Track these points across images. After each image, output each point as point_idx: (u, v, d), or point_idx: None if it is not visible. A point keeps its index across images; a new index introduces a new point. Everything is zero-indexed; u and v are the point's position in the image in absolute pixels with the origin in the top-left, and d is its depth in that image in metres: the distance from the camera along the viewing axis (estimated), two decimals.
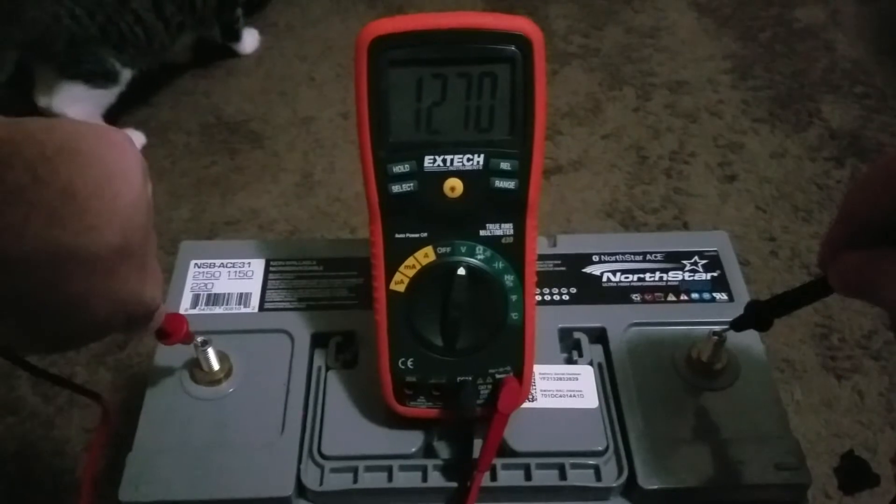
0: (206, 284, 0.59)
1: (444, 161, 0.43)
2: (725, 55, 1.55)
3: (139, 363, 1.03)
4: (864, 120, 1.40)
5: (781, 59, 1.54)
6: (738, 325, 0.48)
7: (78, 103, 1.28)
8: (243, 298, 0.58)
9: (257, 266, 0.60)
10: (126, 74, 1.31)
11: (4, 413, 1.01)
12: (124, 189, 0.34)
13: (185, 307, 0.58)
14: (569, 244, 0.62)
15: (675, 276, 0.59)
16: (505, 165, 0.43)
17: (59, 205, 0.32)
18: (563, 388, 0.53)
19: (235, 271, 0.60)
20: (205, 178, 1.31)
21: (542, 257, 0.59)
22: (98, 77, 1.28)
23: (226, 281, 0.59)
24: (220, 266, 0.60)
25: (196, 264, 0.60)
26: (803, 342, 1.07)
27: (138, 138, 1.34)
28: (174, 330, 0.48)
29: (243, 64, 1.52)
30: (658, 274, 0.59)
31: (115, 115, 1.37)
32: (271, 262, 0.61)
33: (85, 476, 0.48)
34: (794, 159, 1.34)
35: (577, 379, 0.53)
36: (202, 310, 0.58)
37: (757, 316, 0.47)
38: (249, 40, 1.54)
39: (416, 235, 0.45)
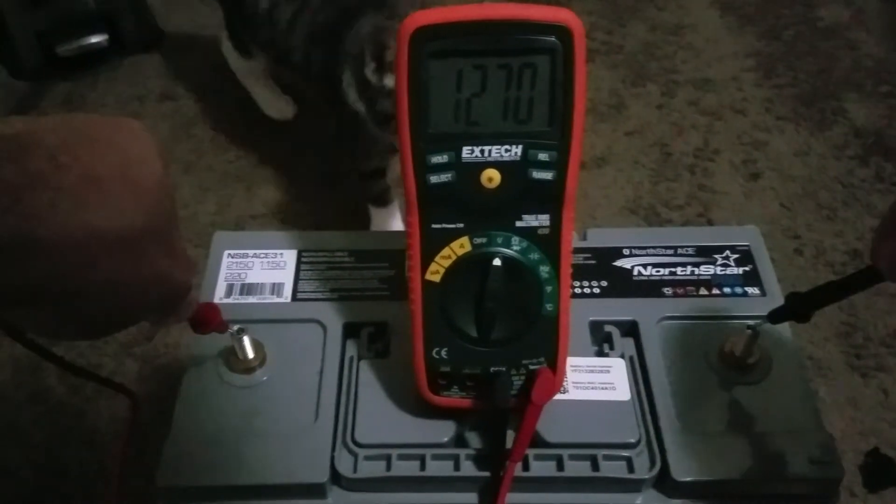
0: (239, 274, 0.60)
1: (483, 152, 0.43)
2: (749, 53, 1.54)
3: (166, 353, 1.04)
4: (888, 119, 1.40)
5: (805, 58, 1.53)
6: (775, 316, 0.48)
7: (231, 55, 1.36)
8: (276, 288, 0.59)
9: (289, 257, 0.61)
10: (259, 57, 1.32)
11: (33, 403, 1.02)
12: (145, 173, 0.35)
13: (219, 296, 0.58)
14: (599, 238, 0.62)
15: (706, 271, 0.59)
16: (543, 157, 0.43)
17: (83, 189, 0.33)
18: (594, 380, 0.53)
19: (268, 262, 0.61)
20: (230, 172, 1.32)
21: (572, 251, 0.59)
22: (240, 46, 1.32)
23: (259, 271, 0.60)
24: (252, 256, 0.61)
25: (229, 255, 0.61)
26: (828, 340, 1.07)
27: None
28: (208, 319, 0.48)
29: None
30: (689, 268, 0.59)
31: (139, 113, 1.39)
32: (303, 253, 0.61)
33: (114, 468, 0.48)
34: (818, 157, 1.34)
35: (608, 371, 0.53)
36: (236, 299, 0.58)
37: (798, 307, 0.47)
38: None
39: (453, 226, 0.45)
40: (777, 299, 0.56)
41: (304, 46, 1.12)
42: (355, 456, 0.50)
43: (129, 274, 0.35)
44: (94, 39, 1.51)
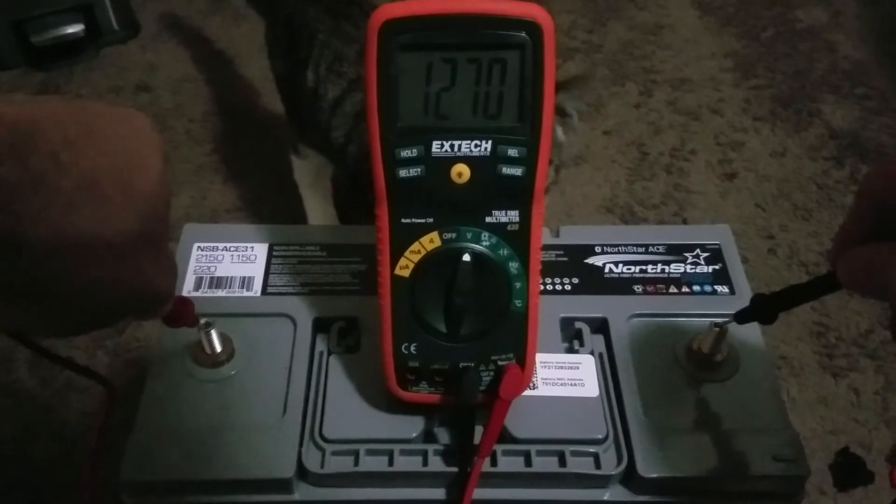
0: (209, 267, 0.59)
1: (452, 147, 0.43)
2: (727, 54, 1.55)
3: (137, 347, 1.04)
4: (864, 121, 1.41)
5: (783, 59, 1.54)
6: (741, 317, 0.48)
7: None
8: (246, 282, 0.58)
9: (260, 250, 0.61)
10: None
11: (2, 395, 1.01)
12: (145, 178, 0.34)
13: (187, 290, 0.58)
14: (572, 235, 0.62)
15: (676, 269, 0.59)
16: (513, 152, 0.43)
17: (79, 192, 0.32)
18: (563, 376, 0.53)
19: (238, 255, 0.60)
20: (206, 164, 1.31)
21: (544, 247, 0.59)
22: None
23: (229, 264, 0.59)
24: (223, 249, 0.60)
25: (199, 247, 0.60)
26: (800, 340, 1.08)
27: None
28: (182, 313, 0.48)
29: (246, 52, 1.52)
30: (660, 266, 0.59)
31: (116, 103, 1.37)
32: (274, 247, 0.61)
33: (86, 459, 0.48)
34: (794, 158, 1.35)
35: (577, 368, 0.53)
36: (205, 292, 0.58)
37: (762, 309, 0.47)
38: None
39: (422, 221, 0.45)
40: (746, 298, 0.57)
41: (347, 126, 1.05)
42: (323, 451, 0.50)
43: (114, 279, 0.35)
44: (71, 30, 1.50)
